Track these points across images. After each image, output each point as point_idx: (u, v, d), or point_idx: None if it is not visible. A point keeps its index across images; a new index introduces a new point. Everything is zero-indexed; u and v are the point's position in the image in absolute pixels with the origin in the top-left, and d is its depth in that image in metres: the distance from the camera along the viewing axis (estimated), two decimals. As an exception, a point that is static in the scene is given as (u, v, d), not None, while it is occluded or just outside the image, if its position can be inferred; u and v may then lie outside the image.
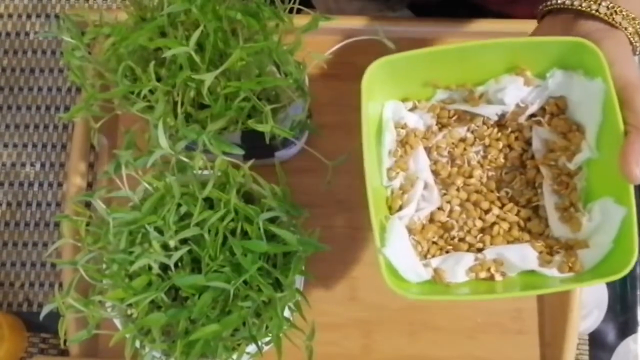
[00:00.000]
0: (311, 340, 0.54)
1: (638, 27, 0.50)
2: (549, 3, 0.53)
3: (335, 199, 0.70)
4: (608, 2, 0.50)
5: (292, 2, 0.59)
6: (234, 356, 0.55)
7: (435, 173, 0.55)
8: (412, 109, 0.57)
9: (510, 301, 0.69)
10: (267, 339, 0.55)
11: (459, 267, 0.51)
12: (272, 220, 0.55)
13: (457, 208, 0.54)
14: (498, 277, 0.51)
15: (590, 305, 0.72)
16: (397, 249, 0.49)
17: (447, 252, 0.53)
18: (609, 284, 0.72)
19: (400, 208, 0.53)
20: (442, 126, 0.56)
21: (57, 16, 0.88)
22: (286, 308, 0.55)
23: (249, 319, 0.53)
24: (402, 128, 0.56)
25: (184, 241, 0.54)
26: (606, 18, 0.50)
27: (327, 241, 0.56)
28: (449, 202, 0.54)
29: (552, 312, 0.67)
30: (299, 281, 0.59)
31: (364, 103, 0.50)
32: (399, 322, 0.69)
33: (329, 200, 0.70)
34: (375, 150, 0.54)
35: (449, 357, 0.68)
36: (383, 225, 0.51)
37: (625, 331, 0.72)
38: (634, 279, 0.73)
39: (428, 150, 0.56)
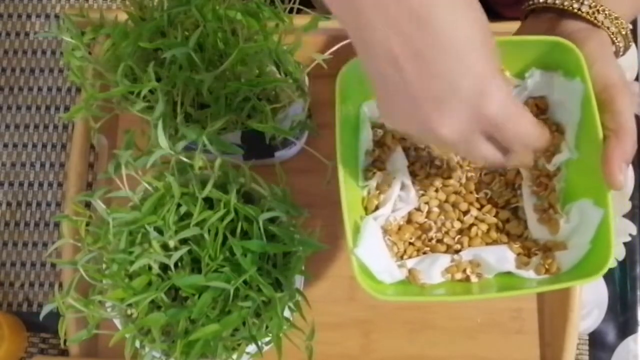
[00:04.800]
0: (311, 340, 0.54)
1: (621, 26, 0.50)
2: (531, 2, 0.53)
3: (335, 199, 0.69)
4: (590, 1, 0.49)
5: (292, 2, 0.59)
6: (234, 356, 0.55)
7: (413, 174, 0.55)
8: None
9: (509, 301, 0.69)
10: (267, 339, 0.55)
11: (434, 268, 0.51)
12: (272, 220, 0.55)
13: (435, 209, 0.54)
14: (474, 279, 0.51)
15: (590, 305, 0.72)
16: (370, 249, 0.49)
17: (424, 253, 0.53)
18: (608, 284, 0.72)
19: (377, 208, 0.53)
20: None
21: (57, 16, 0.88)
22: (286, 308, 0.55)
23: (249, 318, 0.53)
24: (380, 128, 0.55)
25: (183, 241, 0.54)
26: (588, 17, 0.49)
27: (327, 241, 0.56)
28: (427, 203, 0.54)
29: (552, 312, 0.67)
30: (298, 281, 0.59)
31: (338, 104, 0.50)
32: (399, 321, 0.69)
33: (329, 200, 0.69)
34: (351, 150, 0.54)
35: (448, 357, 0.68)
36: (358, 226, 0.50)
37: (625, 331, 0.72)
38: (634, 279, 0.73)
39: (406, 150, 0.55)
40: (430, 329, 0.68)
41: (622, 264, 0.73)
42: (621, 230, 0.72)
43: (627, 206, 0.73)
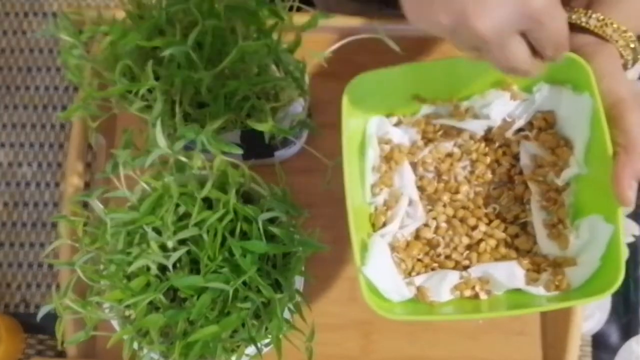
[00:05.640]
0: (311, 341, 0.54)
1: (629, 40, 0.49)
2: None
3: (335, 199, 0.69)
4: (598, 15, 0.49)
5: (291, 0, 0.59)
6: (233, 358, 0.54)
7: (421, 189, 0.55)
8: (397, 124, 0.56)
9: (511, 302, 0.69)
10: (267, 340, 0.54)
11: (443, 285, 0.50)
12: (271, 221, 0.55)
13: (444, 225, 0.53)
14: (483, 296, 0.50)
15: (592, 306, 0.72)
16: (378, 268, 0.49)
17: (432, 269, 0.52)
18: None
19: (384, 225, 0.53)
20: (428, 141, 0.56)
21: (54, 14, 0.88)
22: (286, 309, 0.54)
23: (248, 320, 0.52)
24: (387, 143, 0.55)
25: (182, 242, 0.54)
26: (597, 30, 0.49)
27: (327, 241, 0.56)
28: (435, 218, 0.53)
29: (554, 314, 0.67)
30: (298, 282, 0.58)
31: (344, 119, 0.50)
32: (399, 322, 0.68)
33: (329, 200, 0.69)
34: (358, 166, 0.53)
35: (449, 358, 0.68)
36: (365, 243, 0.50)
37: (628, 332, 0.72)
38: (637, 281, 0.72)
39: (414, 166, 0.55)
40: (431, 330, 0.68)
41: (625, 265, 0.72)
42: (624, 231, 0.72)
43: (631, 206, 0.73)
